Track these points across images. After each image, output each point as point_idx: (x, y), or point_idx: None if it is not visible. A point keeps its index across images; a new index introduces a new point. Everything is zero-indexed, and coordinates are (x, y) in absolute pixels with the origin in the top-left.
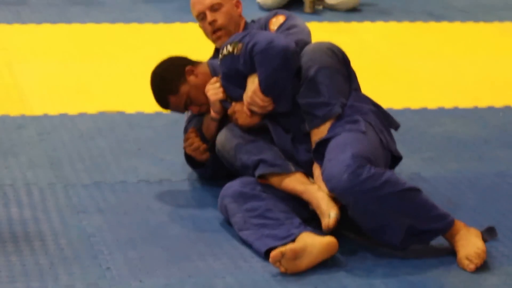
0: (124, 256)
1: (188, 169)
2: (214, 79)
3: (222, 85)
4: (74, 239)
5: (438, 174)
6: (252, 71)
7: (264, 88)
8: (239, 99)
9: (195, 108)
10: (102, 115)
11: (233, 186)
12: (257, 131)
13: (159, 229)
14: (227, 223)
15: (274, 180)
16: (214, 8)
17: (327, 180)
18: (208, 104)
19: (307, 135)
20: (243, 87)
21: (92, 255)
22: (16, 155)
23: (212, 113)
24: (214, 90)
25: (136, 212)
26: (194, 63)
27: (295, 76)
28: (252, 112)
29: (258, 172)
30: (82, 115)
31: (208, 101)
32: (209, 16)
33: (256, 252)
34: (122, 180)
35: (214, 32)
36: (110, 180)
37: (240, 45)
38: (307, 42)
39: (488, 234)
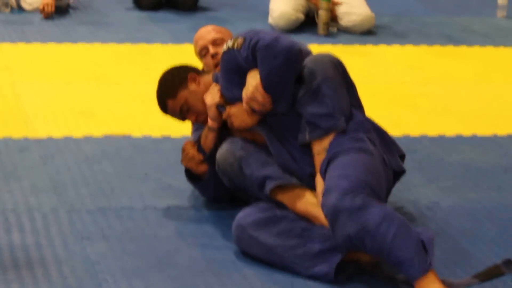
0: (129, 286)
1: (197, 195)
2: (214, 85)
3: (220, 84)
4: (77, 266)
5: (456, 204)
6: (253, 66)
7: (266, 84)
8: (235, 100)
9: (192, 116)
10: (107, 138)
11: (251, 214)
12: (254, 144)
13: (166, 257)
14: (242, 253)
15: (286, 198)
16: (216, 43)
17: (323, 205)
18: (206, 114)
19: (304, 146)
20: (241, 85)
21: (96, 283)
22: (19, 179)
23: (210, 122)
24: (211, 94)
25: (142, 239)
26: (200, 72)
27: (296, 83)
28: (251, 110)
29: (267, 188)
30: (87, 138)
31: (206, 110)
32: (212, 49)
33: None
34: (128, 206)
35: (216, 65)
36: (116, 206)
37: (240, 40)
38: (307, 50)
39: (507, 266)
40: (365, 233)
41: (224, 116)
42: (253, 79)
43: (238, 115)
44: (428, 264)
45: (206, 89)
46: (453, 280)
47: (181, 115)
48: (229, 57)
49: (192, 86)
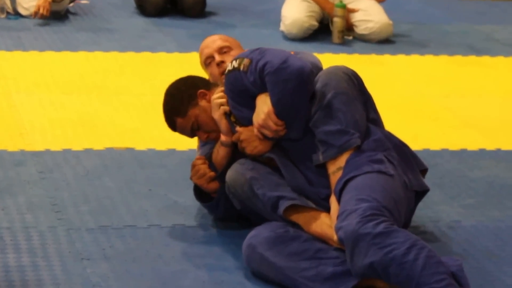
0: None
1: (204, 213)
2: (220, 89)
3: (229, 103)
4: None
5: (480, 223)
6: (262, 90)
7: (278, 110)
8: (245, 119)
9: (203, 134)
10: (109, 151)
11: (262, 233)
12: (265, 166)
13: (171, 279)
14: (252, 275)
15: (300, 219)
16: (222, 51)
17: (339, 228)
18: (217, 132)
19: (319, 167)
20: (249, 106)
21: None
22: (14, 195)
23: (222, 137)
24: (217, 105)
25: (145, 260)
26: (210, 86)
27: (310, 101)
28: (263, 136)
29: (281, 208)
30: (87, 151)
31: (218, 127)
32: (217, 57)
33: None
34: (131, 224)
35: (222, 74)
36: (118, 224)
37: (247, 61)
38: (318, 66)
39: None
40: (390, 260)
41: (234, 138)
42: (263, 105)
43: (250, 140)
44: None
45: None
46: None
47: (191, 133)
48: (235, 78)
49: (203, 104)
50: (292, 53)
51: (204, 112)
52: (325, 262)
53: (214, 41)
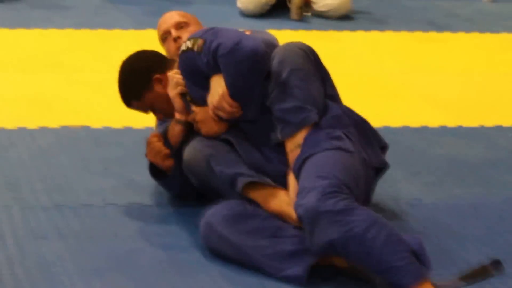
0: None
1: (161, 191)
2: (175, 71)
3: (185, 82)
4: (32, 268)
5: (440, 200)
6: (215, 71)
7: (232, 92)
8: (200, 99)
9: (159, 114)
10: (64, 129)
11: (220, 211)
12: (223, 143)
13: (128, 258)
14: (209, 253)
15: (259, 197)
16: (179, 26)
17: (298, 205)
18: (173, 112)
19: (279, 145)
20: (204, 86)
21: (52, 286)
22: None
23: (177, 114)
24: (173, 84)
25: (102, 239)
26: (166, 63)
27: (265, 80)
28: (219, 118)
29: (239, 185)
30: (42, 130)
31: (173, 108)
32: (174, 33)
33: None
34: (86, 203)
35: (178, 49)
36: (74, 203)
37: (200, 42)
38: (273, 44)
39: (495, 267)
40: (351, 237)
41: (190, 119)
42: (218, 86)
43: (205, 122)
44: (423, 273)
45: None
46: (437, 282)
47: (147, 112)
48: (189, 58)
49: (158, 88)
50: (247, 32)
51: (160, 97)
52: (283, 241)
53: (171, 17)
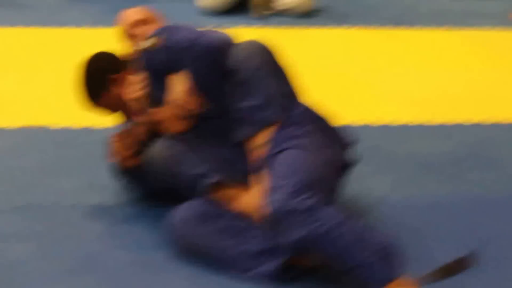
0: None
1: (123, 192)
2: (134, 76)
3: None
4: None
5: (404, 198)
6: (174, 69)
7: (192, 89)
8: (159, 99)
9: (124, 114)
10: (22, 131)
11: (185, 211)
12: (186, 143)
13: (91, 260)
14: (175, 254)
15: (224, 196)
16: (137, 24)
17: (264, 205)
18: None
19: (240, 144)
20: (162, 85)
21: None
22: None
23: (135, 117)
24: (130, 88)
25: (65, 241)
26: (121, 65)
27: (224, 78)
28: (179, 116)
29: (204, 185)
30: (0, 131)
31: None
32: (132, 31)
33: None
34: (47, 204)
35: (136, 48)
36: (34, 205)
37: (158, 40)
38: (229, 42)
39: (460, 264)
40: (319, 235)
41: (149, 119)
42: (177, 84)
43: (165, 121)
44: (392, 270)
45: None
46: (410, 278)
47: (112, 113)
48: (147, 57)
49: (114, 89)
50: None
51: (117, 97)
52: (250, 240)
53: (129, 15)
